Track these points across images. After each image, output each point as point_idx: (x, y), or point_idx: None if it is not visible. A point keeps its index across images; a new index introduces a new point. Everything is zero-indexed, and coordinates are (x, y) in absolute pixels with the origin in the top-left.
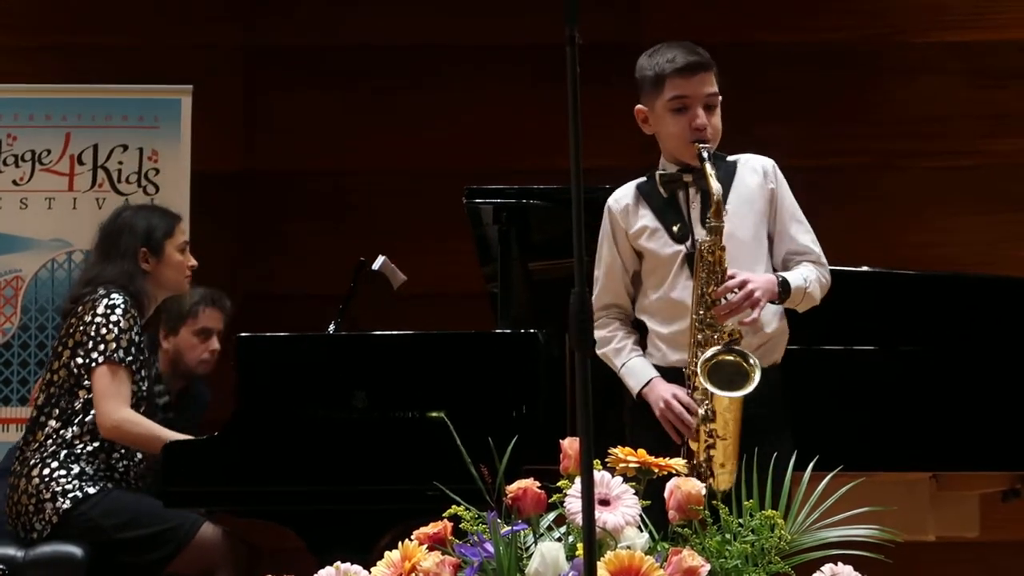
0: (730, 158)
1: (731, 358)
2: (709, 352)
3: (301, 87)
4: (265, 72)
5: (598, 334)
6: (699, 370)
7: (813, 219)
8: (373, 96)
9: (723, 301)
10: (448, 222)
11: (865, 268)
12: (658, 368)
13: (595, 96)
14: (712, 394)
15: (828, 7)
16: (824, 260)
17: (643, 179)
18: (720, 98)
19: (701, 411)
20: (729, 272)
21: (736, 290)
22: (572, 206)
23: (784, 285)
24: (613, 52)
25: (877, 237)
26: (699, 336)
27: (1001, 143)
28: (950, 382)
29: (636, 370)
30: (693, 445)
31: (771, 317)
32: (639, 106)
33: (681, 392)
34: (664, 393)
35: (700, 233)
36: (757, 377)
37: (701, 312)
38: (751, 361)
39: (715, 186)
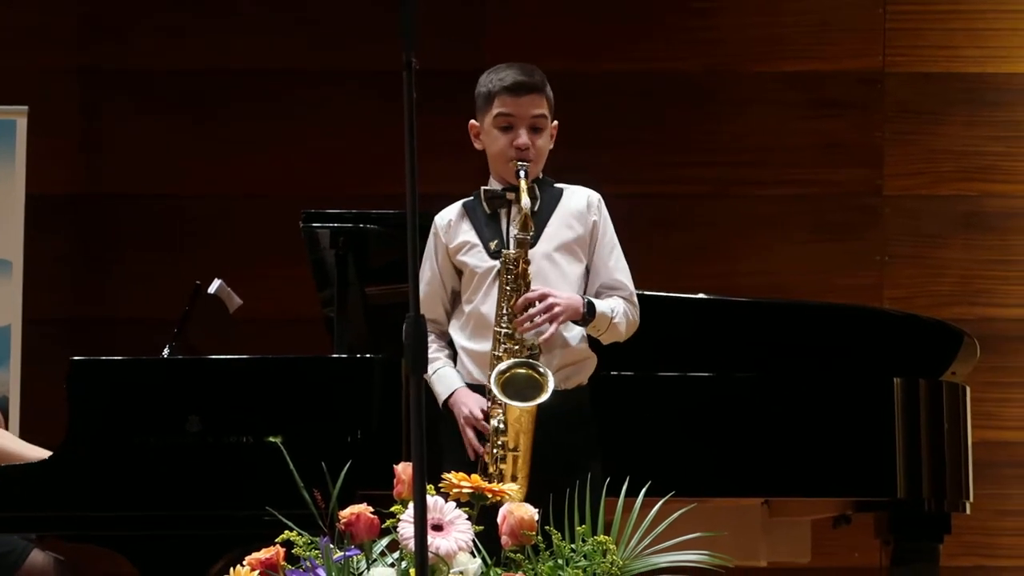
0: (558, 185)
1: (525, 371)
2: (502, 366)
3: (140, 111)
4: (103, 95)
5: None
6: (493, 381)
7: (646, 246)
8: (211, 120)
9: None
10: (285, 247)
11: (701, 295)
12: (467, 384)
13: (438, 122)
14: (504, 406)
15: (665, 36)
16: (635, 300)
17: (471, 197)
18: (553, 122)
19: (493, 423)
20: (533, 287)
21: (537, 303)
22: (407, 231)
23: (590, 307)
24: (455, 79)
25: (711, 264)
26: (500, 349)
27: (834, 172)
28: (782, 409)
29: (445, 378)
30: (486, 458)
31: (576, 339)
32: (472, 121)
33: (478, 408)
34: (464, 408)
35: (512, 246)
36: (550, 389)
37: (503, 324)
38: (543, 373)
39: (525, 201)
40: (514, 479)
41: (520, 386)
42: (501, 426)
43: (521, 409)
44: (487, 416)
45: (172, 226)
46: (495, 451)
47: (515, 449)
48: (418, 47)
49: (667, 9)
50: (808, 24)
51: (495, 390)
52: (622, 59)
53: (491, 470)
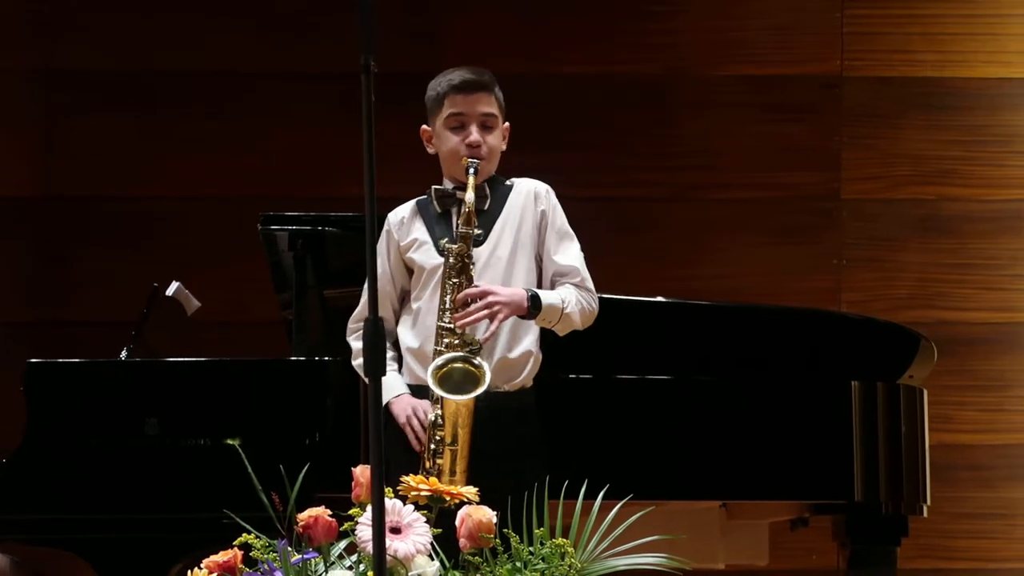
0: (508, 181)
1: (462, 365)
2: (440, 360)
3: (101, 112)
4: (64, 96)
5: (355, 345)
6: (430, 376)
7: (604, 249)
8: (173, 122)
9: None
10: (244, 249)
11: (660, 299)
12: (409, 386)
13: (396, 124)
14: (442, 401)
15: (623, 39)
16: (590, 285)
17: (423, 196)
18: (505, 124)
19: (431, 416)
20: (475, 283)
21: (477, 299)
22: (366, 233)
23: (534, 300)
24: (411, 81)
25: (669, 267)
26: (442, 343)
27: (792, 176)
28: (740, 412)
29: (388, 384)
30: (424, 453)
31: (519, 337)
32: (424, 126)
33: (420, 408)
34: (406, 408)
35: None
36: (486, 383)
37: (445, 319)
38: (479, 365)
39: (469, 196)
40: (452, 474)
41: (457, 380)
42: (439, 421)
43: (458, 403)
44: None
45: (130, 228)
46: (432, 446)
47: (453, 444)
48: (376, 50)
49: (625, 12)
50: (766, 28)
51: (432, 384)
52: (580, 62)
53: (428, 465)
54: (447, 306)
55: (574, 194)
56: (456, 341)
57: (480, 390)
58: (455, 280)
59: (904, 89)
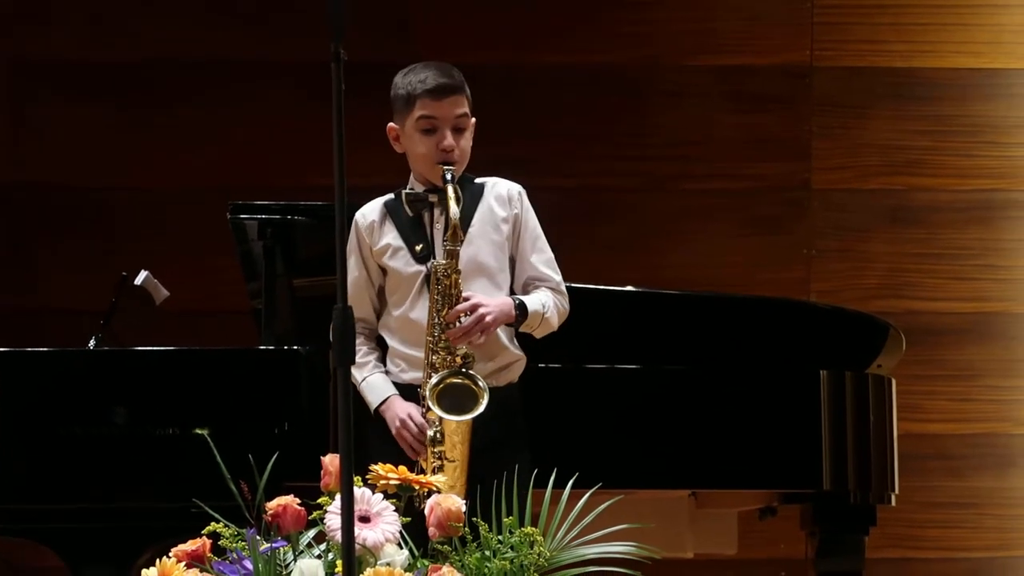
0: (479, 180)
1: (460, 381)
2: (436, 377)
3: (70, 101)
4: (33, 85)
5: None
6: (427, 395)
7: (575, 239)
8: (142, 112)
9: (458, 324)
10: (213, 238)
11: (630, 288)
12: (395, 384)
13: (367, 114)
14: (440, 418)
15: (595, 30)
16: (563, 288)
17: (391, 196)
18: (472, 120)
19: (430, 433)
20: (464, 295)
21: (468, 313)
22: (335, 223)
23: (521, 308)
24: (383, 70)
25: (640, 257)
26: (433, 358)
27: (762, 167)
28: (709, 401)
29: (376, 386)
30: (424, 465)
31: (506, 343)
32: (391, 124)
33: (416, 412)
34: (400, 412)
35: (441, 255)
36: (485, 401)
37: (435, 334)
38: (480, 384)
39: (453, 210)
40: (451, 488)
41: (455, 395)
42: (438, 436)
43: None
44: (421, 427)
45: (99, 216)
46: (433, 462)
47: (452, 459)
48: (347, 39)
49: (597, 2)
50: (737, 19)
51: (431, 404)
52: (552, 52)
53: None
54: (436, 321)
55: (547, 184)
56: (448, 356)
57: (480, 409)
58: (443, 295)
59: (874, 79)
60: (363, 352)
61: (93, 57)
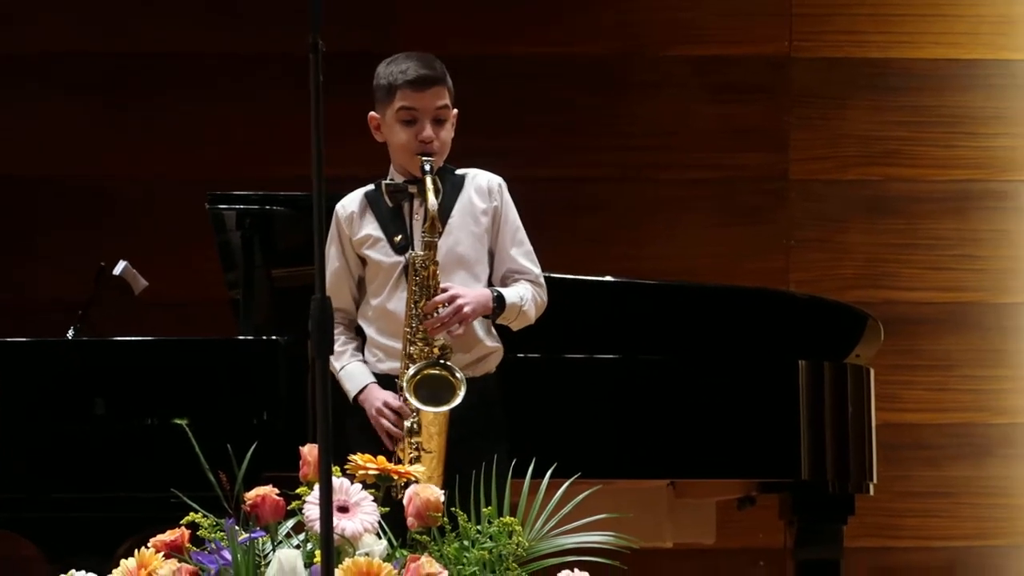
0: (459, 171)
1: (437, 372)
2: (414, 368)
3: (53, 92)
4: (16, 77)
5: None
6: (405, 387)
7: (555, 229)
8: (122, 102)
9: (435, 315)
10: (192, 228)
11: (608, 278)
12: (372, 373)
13: (348, 104)
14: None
15: (574, 20)
16: (542, 281)
17: (371, 187)
18: (454, 111)
19: (407, 423)
20: (442, 286)
21: (446, 304)
22: (313, 213)
23: (499, 300)
24: (365, 61)
25: (619, 247)
26: (410, 348)
27: (742, 157)
28: (688, 391)
29: (354, 375)
30: (401, 455)
31: (483, 334)
32: (372, 113)
33: (393, 400)
34: (376, 401)
35: (420, 246)
36: (462, 392)
37: (413, 325)
38: (457, 375)
39: (431, 201)
40: (429, 479)
41: (433, 387)
42: (415, 427)
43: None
44: (399, 413)
45: (82, 208)
46: (410, 452)
47: (429, 450)
48: (328, 30)
49: None
50: (716, 9)
51: (408, 396)
52: (531, 43)
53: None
54: (414, 312)
55: (525, 174)
56: (426, 347)
57: (457, 400)
58: (421, 286)
59: (852, 70)
60: (341, 341)
61: (77, 48)
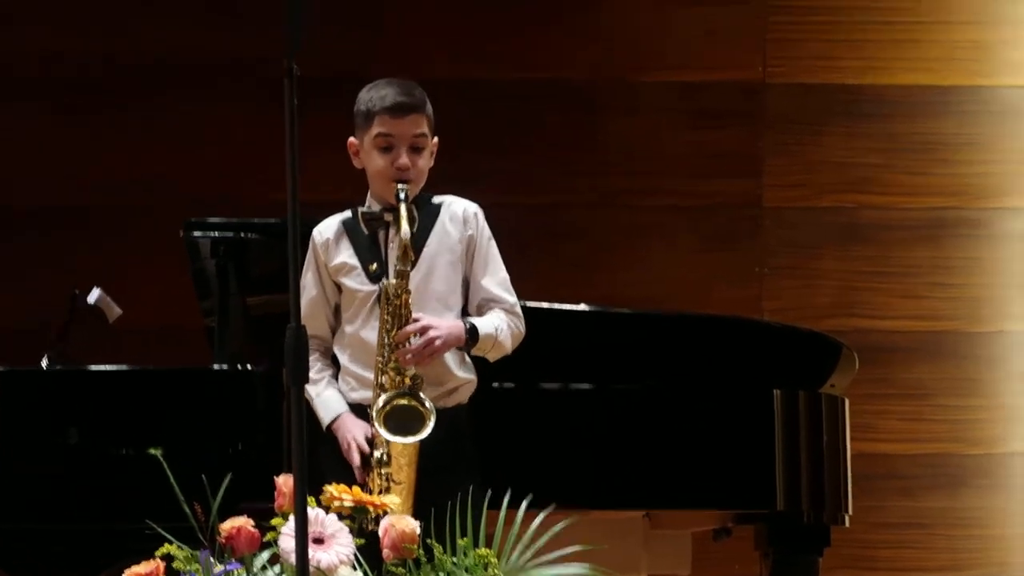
0: (436, 199)
1: (407, 402)
2: (383, 398)
3: (17, 109)
4: None
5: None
6: (374, 417)
7: (529, 255)
8: (93, 120)
9: (407, 345)
10: (167, 255)
11: (583, 306)
12: (349, 404)
13: (327, 124)
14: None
15: (550, 45)
16: (518, 310)
17: (348, 214)
18: (434, 140)
19: (377, 454)
20: (414, 316)
21: (418, 335)
22: (288, 240)
23: (472, 332)
24: (345, 84)
25: (592, 274)
26: (382, 378)
27: (718, 183)
28: (663, 421)
29: (329, 403)
30: (371, 485)
31: (455, 366)
32: (351, 139)
33: (361, 434)
34: (347, 433)
35: (393, 275)
36: (431, 423)
37: (385, 354)
38: (427, 406)
39: (404, 229)
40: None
41: (402, 417)
42: (385, 457)
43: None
44: (371, 443)
45: (54, 233)
46: (380, 482)
47: (398, 481)
48: (310, 51)
49: (554, 18)
50: (691, 35)
51: (377, 426)
52: (507, 68)
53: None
54: (386, 341)
55: (500, 200)
56: (397, 377)
57: (426, 431)
58: (393, 315)
59: (826, 96)
60: (317, 368)
61: (39, 63)
